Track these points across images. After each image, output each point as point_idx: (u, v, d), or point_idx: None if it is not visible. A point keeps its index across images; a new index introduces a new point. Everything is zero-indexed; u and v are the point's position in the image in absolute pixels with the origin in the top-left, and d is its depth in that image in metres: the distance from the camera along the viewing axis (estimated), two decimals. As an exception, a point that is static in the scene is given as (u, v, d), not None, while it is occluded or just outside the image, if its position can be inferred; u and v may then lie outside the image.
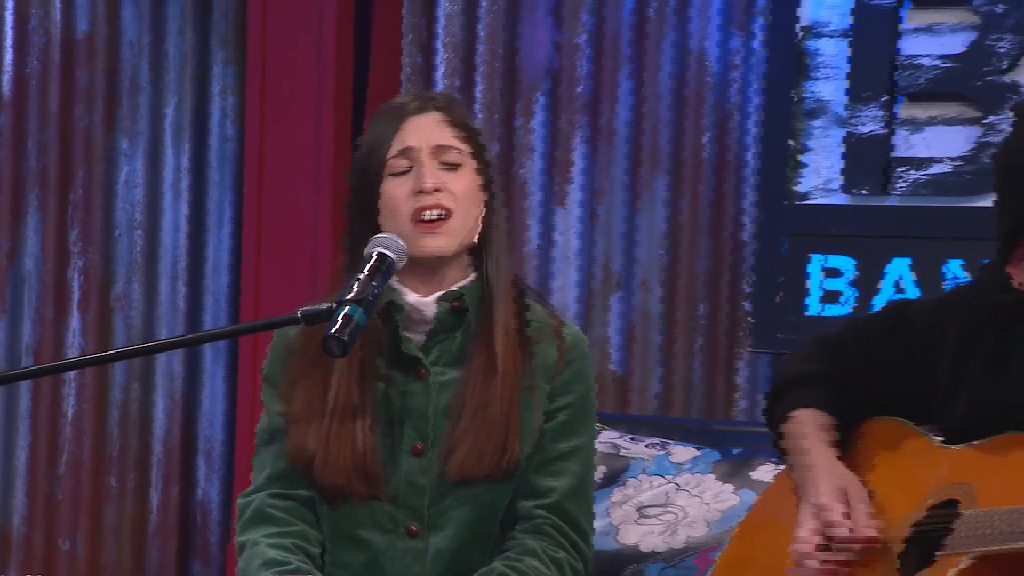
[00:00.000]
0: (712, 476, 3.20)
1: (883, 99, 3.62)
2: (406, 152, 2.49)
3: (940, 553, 2.20)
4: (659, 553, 3.15)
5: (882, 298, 3.60)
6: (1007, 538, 2.12)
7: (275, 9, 4.09)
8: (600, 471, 3.24)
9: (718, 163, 3.81)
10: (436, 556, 2.50)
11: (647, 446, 3.28)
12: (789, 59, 3.68)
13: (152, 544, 4.31)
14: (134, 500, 4.31)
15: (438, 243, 2.48)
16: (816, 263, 3.68)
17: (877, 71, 3.61)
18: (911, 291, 3.58)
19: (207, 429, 4.29)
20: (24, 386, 4.35)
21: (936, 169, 3.59)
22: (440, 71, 4.02)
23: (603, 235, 3.91)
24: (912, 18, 3.61)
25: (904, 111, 3.63)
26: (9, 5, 4.35)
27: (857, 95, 3.63)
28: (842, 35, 3.66)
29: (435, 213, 2.47)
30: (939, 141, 3.60)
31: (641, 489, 3.22)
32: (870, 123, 3.63)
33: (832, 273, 3.67)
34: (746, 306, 3.78)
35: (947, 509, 2.25)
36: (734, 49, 3.80)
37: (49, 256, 4.34)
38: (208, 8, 4.29)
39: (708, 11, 3.82)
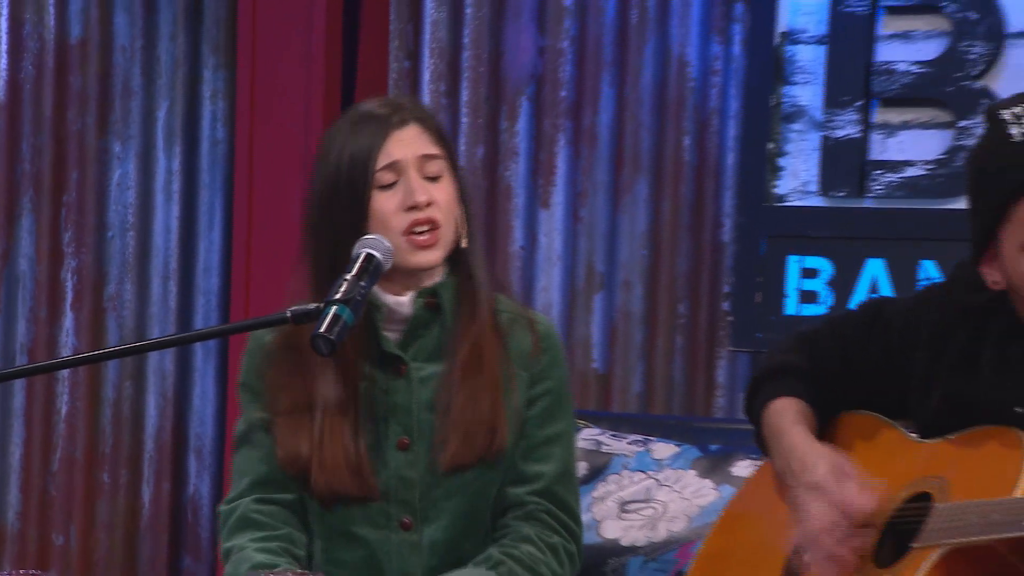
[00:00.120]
0: (692, 472, 3.20)
1: (859, 103, 3.62)
2: (393, 165, 2.50)
3: (914, 545, 2.21)
4: (640, 547, 3.15)
5: (858, 298, 3.60)
6: (978, 531, 2.13)
7: (265, 15, 4.09)
8: (583, 467, 3.24)
9: (698, 166, 3.82)
10: (431, 547, 2.51)
11: (629, 443, 3.29)
12: (767, 64, 3.69)
13: (144, 539, 4.30)
14: (126, 496, 4.30)
15: (431, 257, 2.50)
16: (794, 264, 3.68)
17: (853, 76, 3.62)
18: (886, 291, 3.59)
19: (198, 426, 4.29)
20: (19, 384, 4.34)
21: (910, 172, 3.60)
22: (426, 76, 4.02)
23: (586, 236, 3.91)
24: (887, 25, 3.62)
25: (879, 115, 3.63)
26: (3, 11, 4.34)
27: (834, 100, 3.64)
28: (819, 41, 3.66)
29: (427, 227, 2.49)
30: (913, 145, 3.60)
31: (623, 485, 3.22)
32: (846, 127, 3.64)
33: (809, 274, 3.67)
34: (725, 306, 3.79)
35: (920, 502, 2.26)
36: (714, 55, 3.81)
37: (43, 257, 4.33)
38: (199, 14, 4.28)
39: (688, 18, 3.82)
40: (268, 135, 4.08)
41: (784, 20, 3.68)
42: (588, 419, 3.37)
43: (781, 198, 3.70)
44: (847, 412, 2.44)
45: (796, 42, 3.68)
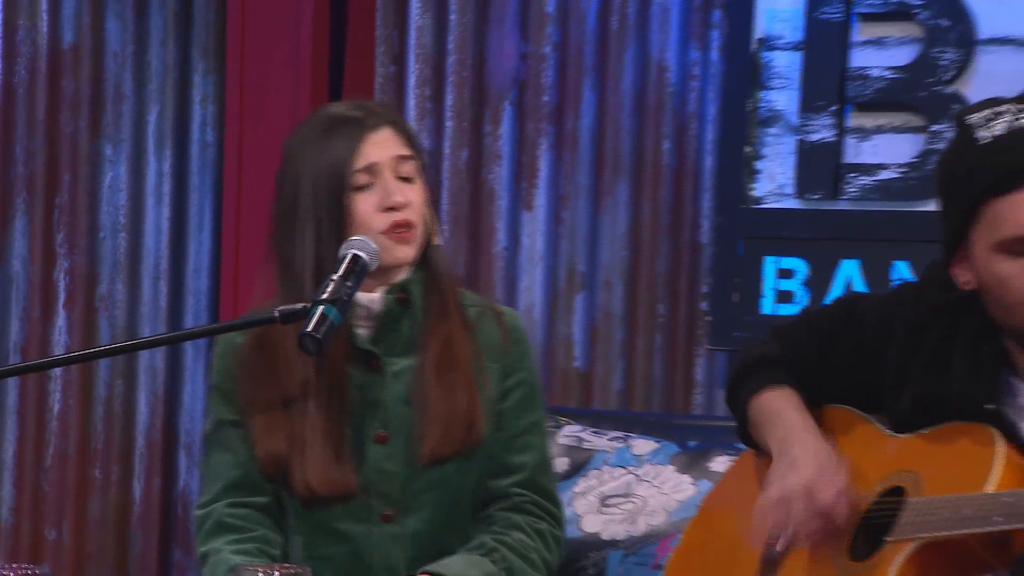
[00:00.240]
0: (671, 467, 3.20)
1: (834, 108, 3.63)
2: (370, 168, 2.50)
3: (887, 539, 2.21)
4: (620, 541, 3.16)
5: (832, 298, 3.60)
6: (950, 525, 2.13)
7: (254, 21, 4.08)
8: (564, 463, 3.24)
9: (677, 169, 3.82)
10: (414, 539, 2.51)
11: (609, 439, 3.29)
12: (745, 70, 3.69)
13: (135, 533, 4.29)
14: (118, 491, 4.29)
15: (408, 252, 2.51)
16: (770, 264, 3.68)
17: (828, 82, 3.63)
18: (856, 291, 3.60)
19: (188, 423, 4.28)
20: (12, 382, 4.33)
21: (884, 175, 3.60)
22: (412, 80, 4.01)
23: (567, 237, 3.91)
24: (861, 31, 3.62)
25: (854, 120, 3.64)
26: (-3, 17, 4.34)
27: (809, 104, 3.64)
28: (795, 47, 3.66)
29: (404, 228, 2.50)
30: (887, 148, 3.61)
31: (603, 480, 3.23)
32: (821, 131, 3.64)
33: (785, 274, 3.68)
34: (704, 305, 3.79)
35: (894, 496, 2.26)
36: (692, 60, 3.81)
37: (36, 257, 4.32)
38: (189, 20, 4.28)
39: (668, 24, 3.82)
40: (257, 138, 4.07)
41: (761, 27, 3.68)
42: (570, 416, 3.37)
43: (758, 200, 3.70)
44: (824, 406, 2.44)
45: (772, 48, 3.68)
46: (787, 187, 3.68)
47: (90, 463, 4.31)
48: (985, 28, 3.52)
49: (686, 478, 3.18)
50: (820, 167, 3.64)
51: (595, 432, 3.31)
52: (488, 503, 2.56)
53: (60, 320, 4.33)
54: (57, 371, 4.30)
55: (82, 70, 4.30)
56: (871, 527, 2.27)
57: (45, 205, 4.32)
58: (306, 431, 2.47)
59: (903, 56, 3.58)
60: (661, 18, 3.82)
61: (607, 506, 3.19)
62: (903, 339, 2.33)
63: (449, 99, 3.98)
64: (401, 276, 2.54)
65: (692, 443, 3.23)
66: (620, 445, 3.26)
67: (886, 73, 3.59)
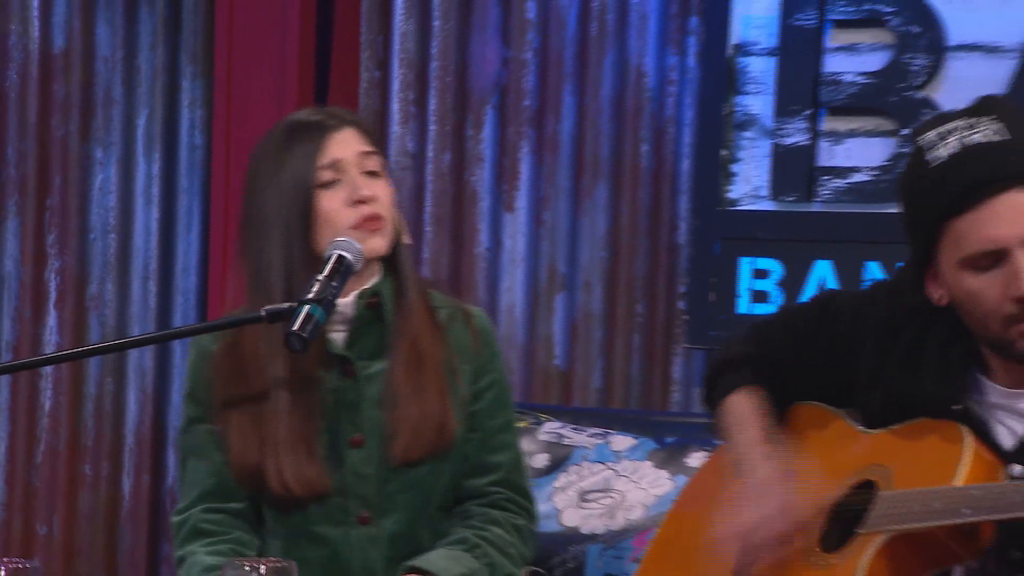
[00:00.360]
0: (649, 463, 3.21)
1: (808, 112, 3.64)
2: (334, 164, 2.48)
3: (859, 531, 2.22)
4: (599, 535, 3.16)
5: (806, 298, 3.61)
6: (920, 517, 2.14)
7: (241, 27, 4.08)
8: (544, 459, 3.25)
9: (655, 171, 3.82)
10: (391, 540, 2.50)
11: (589, 435, 3.29)
12: (721, 75, 3.70)
13: (124, 528, 4.29)
14: (107, 487, 4.28)
15: (380, 244, 2.48)
16: (746, 265, 3.69)
17: (802, 86, 3.63)
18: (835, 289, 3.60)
19: (176, 421, 4.27)
20: (3, 380, 4.32)
21: (856, 178, 3.61)
22: (396, 85, 4.01)
23: (548, 239, 3.91)
24: (834, 38, 3.63)
25: (827, 124, 3.65)
26: (-10, 23, 4.33)
27: (784, 109, 3.65)
28: (770, 53, 3.67)
29: (373, 221, 2.47)
30: (859, 152, 3.62)
31: (583, 475, 3.23)
32: (796, 135, 3.65)
33: (760, 274, 3.68)
34: (681, 305, 3.79)
35: (865, 489, 2.27)
36: (670, 66, 3.82)
37: (27, 258, 4.31)
38: (178, 26, 4.27)
39: (646, 31, 3.83)
40: (244, 141, 4.06)
41: (736, 33, 3.69)
42: (550, 413, 3.37)
43: (734, 202, 3.71)
44: (798, 403, 2.44)
45: (748, 54, 3.69)
46: (762, 189, 3.68)
47: (80, 459, 4.30)
48: (954, 35, 3.53)
49: (663, 473, 3.18)
50: (794, 170, 3.64)
51: (575, 429, 3.31)
52: (464, 499, 2.55)
53: (51, 319, 4.32)
54: (48, 369, 4.29)
55: (73, 74, 4.29)
56: (843, 519, 2.28)
57: (36, 207, 4.31)
58: (279, 433, 2.45)
59: (875, 62, 3.59)
60: (639, 25, 3.83)
61: (586, 501, 3.20)
62: (877, 338, 2.33)
63: (432, 103, 3.98)
64: (373, 279, 2.51)
65: (669, 439, 3.23)
66: (599, 441, 3.27)
67: (858, 78, 3.60)
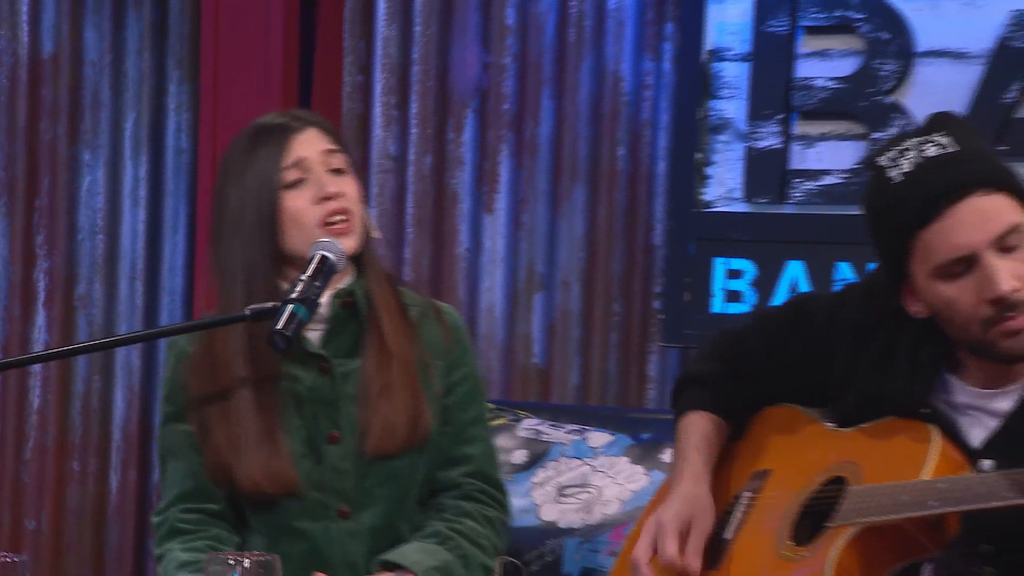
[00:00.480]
0: (625, 459, 3.21)
1: (780, 116, 3.64)
2: (299, 163, 2.46)
3: (829, 525, 2.22)
4: (577, 529, 3.16)
5: (779, 297, 3.62)
6: (888, 511, 2.15)
7: (226, 32, 4.07)
8: (523, 455, 3.25)
9: (631, 174, 3.83)
10: (370, 533, 2.49)
11: (566, 432, 3.29)
12: (696, 80, 3.70)
13: (112, 524, 4.28)
14: (95, 483, 4.28)
15: (350, 243, 2.46)
16: (720, 265, 3.69)
17: (775, 91, 3.64)
18: (806, 291, 3.61)
19: (163, 418, 4.26)
20: (-7, 379, 4.31)
21: (828, 180, 3.62)
22: (378, 89, 4.01)
23: (527, 240, 3.92)
24: (806, 43, 3.64)
25: (799, 127, 3.65)
26: (-21, 28, 4.32)
27: (757, 113, 3.66)
28: (743, 59, 3.68)
29: (340, 216, 2.46)
30: (830, 155, 3.62)
31: (561, 471, 3.23)
32: (768, 138, 3.66)
33: (734, 274, 3.69)
34: (657, 304, 3.80)
35: (836, 485, 2.28)
36: (646, 71, 3.82)
37: (16, 258, 4.30)
38: (165, 32, 4.27)
39: (622, 37, 3.84)
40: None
41: (711, 39, 3.70)
42: (529, 410, 3.37)
43: (708, 204, 3.71)
44: (771, 406, 2.45)
45: (722, 59, 3.69)
46: (736, 192, 3.69)
47: (68, 456, 4.29)
48: (923, 41, 3.54)
49: (639, 469, 3.18)
50: (767, 173, 3.65)
51: (553, 425, 3.32)
52: (437, 492, 2.55)
53: (40, 319, 4.31)
54: (36, 367, 4.28)
55: (61, 79, 4.29)
56: (814, 514, 2.28)
57: (25, 208, 4.30)
58: (247, 431, 2.43)
59: (846, 67, 3.60)
60: (616, 31, 3.83)
61: (564, 496, 3.20)
62: (850, 341, 2.34)
63: (414, 107, 3.98)
64: (347, 279, 2.50)
65: (645, 436, 3.24)
66: (577, 437, 3.27)
67: (829, 83, 3.61)
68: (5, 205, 4.31)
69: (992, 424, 2.22)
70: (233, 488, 2.47)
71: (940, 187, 2.14)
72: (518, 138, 3.92)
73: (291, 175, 2.46)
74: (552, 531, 3.16)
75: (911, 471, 2.17)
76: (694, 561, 2.30)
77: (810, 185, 3.63)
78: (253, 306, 2.37)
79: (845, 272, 3.57)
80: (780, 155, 3.64)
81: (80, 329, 4.29)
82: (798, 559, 2.25)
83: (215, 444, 2.46)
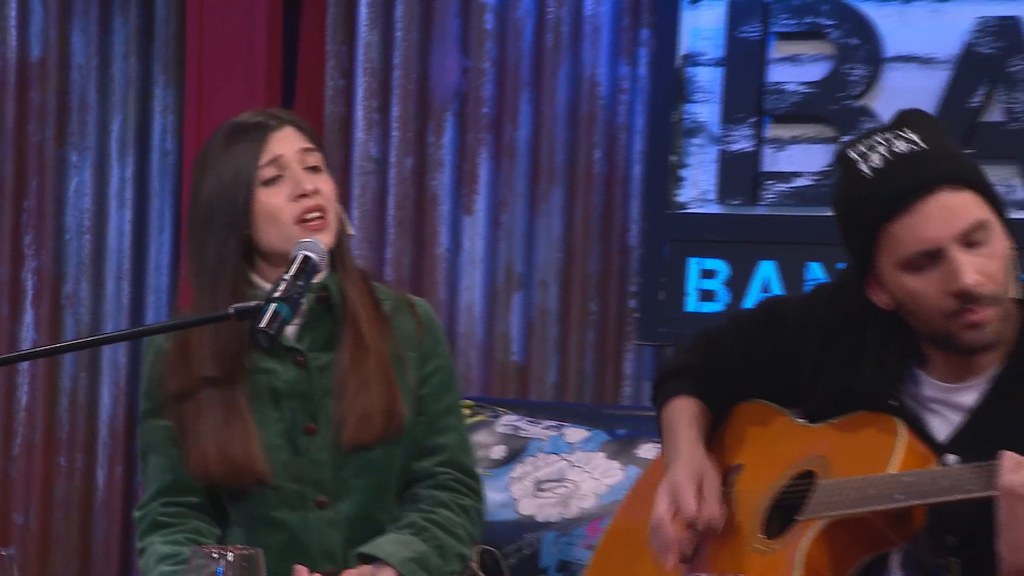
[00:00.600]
0: (601, 454, 3.22)
1: (752, 120, 3.65)
2: (275, 161, 2.46)
3: (799, 518, 2.23)
4: (554, 523, 3.16)
5: (752, 297, 3.63)
6: (856, 504, 2.15)
7: (211, 37, 4.07)
8: (502, 450, 3.25)
9: (608, 176, 3.83)
10: (348, 522, 2.49)
11: (544, 428, 3.30)
12: (670, 84, 3.71)
13: (98, 518, 4.27)
14: (82, 478, 4.26)
15: (325, 240, 2.45)
16: (694, 265, 3.70)
17: (747, 95, 3.65)
18: (777, 290, 3.61)
19: (149, 415, 4.25)
20: (-19, 376, 4.30)
21: (799, 182, 3.63)
22: (360, 93, 4.01)
23: (506, 240, 3.92)
24: (778, 49, 3.65)
25: (771, 131, 3.66)
26: (-32, 32, 4.30)
27: (730, 116, 3.66)
28: (716, 63, 3.69)
29: (316, 214, 2.45)
30: (802, 157, 3.63)
31: (538, 466, 3.23)
32: (741, 141, 3.67)
33: (708, 274, 3.69)
34: (632, 304, 3.81)
35: (806, 479, 2.29)
36: (622, 75, 3.83)
37: (5, 258, 4.29)
38: (150, 36, 4.26)
39: (599, 42, 3.84)
40: (214, 147, 4.05)
41: (685, 44, 3.70)
42: (507, 407, 3.38)
43: (682, 206, 3.72)
44: (743, 402, 2.46)
45: (696, 64, 3.70)
46: (709, 193, 3.69)
47: (56, 452, 4.28)
48: (891, 47, 3.55)
49: (615, 464, 3.19)
50: (740, 175, 3.66)
51: (531, 421, 3.32)
52: (413, 483, 2.54)
53: (28, 317, 4.30)
54: (24, 365, 4.27)
55: (49, 82, 4.28)
56: (784, 507, 2.29)
57: (14, 209, 4.29)
58: (236, 430, 2.43)
59: (816, 72, 3.61)
60: (593, 36, 3.84)
61: (542, 490, 3.20)
62: (819, 340, 2.34)
63: (395, 111, 3.98)
64: (322, 275, 2.50)
65: (621, 432, 3.24)
66: (554, 433, 3.27)
67: (800, 88, 3.62)
68: (-7, 206, 4.30)
69: (956, 419, 2.23)
70: (210, 480, 2.47)
71: (909, 182, 2.15)
72: (497, 141, 3.92)
73: (268, 172, 2.46)
74: (530, 525, 3.16)
75: (878, 465, 2.18)
76: (715, 510, 2.30)
77: (782, 187, 3.64)
78: (237, 305, 2.37)
79: (816, 272, 3.58)
80: (752, 158, 3.65)
81: (67, 327, 4.28)
82: (769, 552, 2.25)
83: (191, 437, 2.46)
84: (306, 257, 2.39)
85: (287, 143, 2.48)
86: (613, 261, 3.83)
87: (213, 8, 4.05)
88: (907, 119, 2.23)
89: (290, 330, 2.48)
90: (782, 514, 2.29)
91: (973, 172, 2.19)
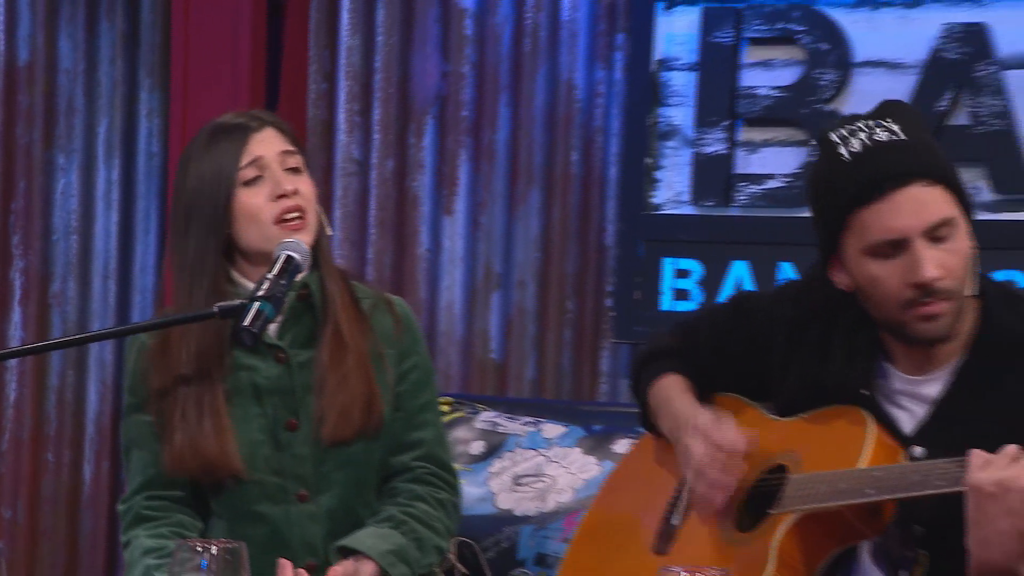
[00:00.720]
0: (578, 449, 3.21)
1: (726, 123, 3.65)
2: (256, 162, 2.45)
3: (771, 511, 2.23)
4: (532, 517, 3.16)
5: (725, 295, 3.63)
6: (826, 498, 2.16)
7: (196, 41, 4.06)
8: (480, 446, 3.25)
9: (584, 178, 3.84)
10: (329, 515, 2.49)
11: (522, 424, 3.29)
12: (645, 88, 3.71)
13: (85, 512, 4.26)
14: (69, 474, 4.25)
15: (304, 239, 2.45)
16: (668, 265, 3.70)
17: (720, 99, 3.65)
18: (750, 289, 3.62)
19: (135, 411, 4.24)
20: (-31, 374, 4.28)
21: (771, 184, 3.64)
22: (342, 96, 4.00)
23: (485, 240, 3.92)
24: (750, 54, 3.65)
25: (744, 134, 3.67)
26: (-43, 36, 4.29)
27: (704, 120, 3.67)
28: (690, 68, 3.69)
29: (295, 214, 2.45)
30: (773, 160, 3.64)
31: (516, 461, 3.23)
32: (715, 144, 3.67)
33: (682, 274, 3.70)
34: (608, 302, 3.81)
35: (778, 473, 2.29)
36: (598, 79, 3.83)
37: (-8, 258, 4.29)
38: (136, 41, 4.25)
39: (576, 47, 3.84)
40: (199, 149, 4.04)
41: (660, 49, 3.70)
42: (486, 403, 3.37)
43: (657, 207, 3.72)
44: (716, 394, 2.46)
45: (670, 69, 3.70)
46: (684, 195, 3.70)
47: (43, 448, 4.27)
48: (860, 52, 3.56)
49: (591, 459, 3.19)
50: (713, 177, 3.66)
51: (509, 417, 3.32)
52: (391, 476, 2.54)
53: (16, 316, 4.29)
54: (13, 362, 4.25)
55: (36, 86, 4.26)
56: (756, 501, 2.29)
57: (2, 210, 4.28)
58: (211, 428, 2.43)
59: (788, 77, 3.62)
60: (570, 41, 3.84)
61: (520, 485, 3.20)
62: (787, 334, 2.35)
63: (376, 113, 3.98)
64: (302, 274, 2.49)
65: (597, 427, 3.24)
66: (532, 429, 3.27)
67: (772, 92, 3.63)
68: (-18, 207, 4.29)
69: (921, 411, 2.23)
70: (191, 473, 2.46)
71: (885, 171, 2.15)
72: (476, 143, 3.92)
73: (249, 172, 2.45)
74: (508, 519, 3.16)
75: (848, 459, 2.18)
76: (740, 440, 2.28)
77: (754, 189, 3.64)
78: (221, 303, 2.36)
79: (788, 272, 3.58)
80: (726, 160, 3.65)
81: (55, 326, 4.27)
82: (742, 544, 2.25)
83: (172, 432, 2.45)
84: (289, 257, 2.39)
85: (268, 144, 2.48)
86: (590, 261, 3.83)
87: (198, 13, 4.05)
88: (890, 110, 2.23)
89: (272, 327, 2.48)
90: (755, 507, 2.29)
91: (947, 169, 2.19)
